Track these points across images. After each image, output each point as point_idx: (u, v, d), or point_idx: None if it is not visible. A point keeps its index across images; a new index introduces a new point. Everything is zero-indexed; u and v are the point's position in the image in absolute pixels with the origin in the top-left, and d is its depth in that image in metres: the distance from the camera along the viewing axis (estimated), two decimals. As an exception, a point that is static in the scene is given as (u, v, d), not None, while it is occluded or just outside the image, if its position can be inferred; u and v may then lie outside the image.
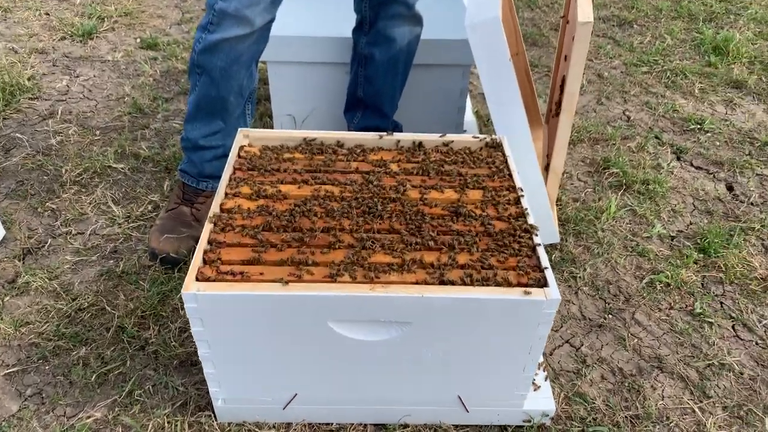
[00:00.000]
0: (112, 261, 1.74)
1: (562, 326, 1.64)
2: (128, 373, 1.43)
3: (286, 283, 1.09)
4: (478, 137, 1.52)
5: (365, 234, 1.21)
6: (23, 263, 1.71)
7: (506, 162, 1.45)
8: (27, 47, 2.77)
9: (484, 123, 2.48)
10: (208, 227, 1.21)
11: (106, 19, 3.08)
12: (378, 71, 1.76)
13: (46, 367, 1.43)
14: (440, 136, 1.52)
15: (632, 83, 2.86)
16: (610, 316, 1.68)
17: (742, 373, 1.53)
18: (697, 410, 1.43)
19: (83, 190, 1.98)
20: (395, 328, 1.14)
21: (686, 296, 1.75)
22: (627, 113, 2.64)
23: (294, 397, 1.31)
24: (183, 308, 1.51)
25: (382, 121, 1.82)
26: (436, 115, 2.11)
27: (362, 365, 1.21)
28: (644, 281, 1.79)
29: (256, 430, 1.33)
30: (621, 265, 1.85)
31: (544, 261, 1.17)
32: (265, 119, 2.36)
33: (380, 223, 1.25)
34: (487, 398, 1.31)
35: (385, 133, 1.51)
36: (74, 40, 2.88)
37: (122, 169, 2.08)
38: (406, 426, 1.36)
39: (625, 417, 1.41)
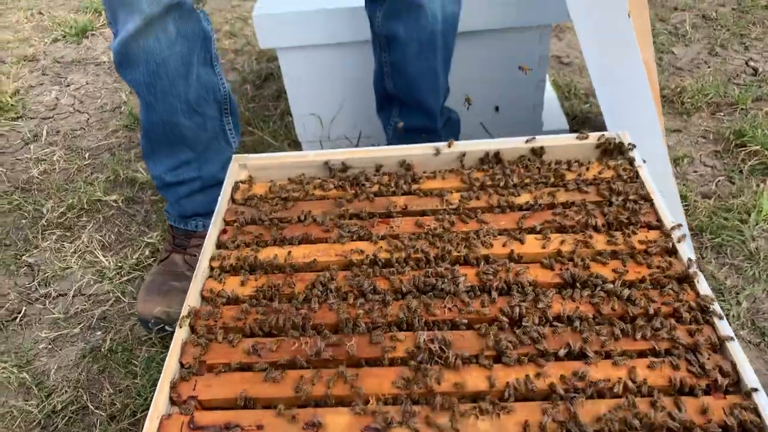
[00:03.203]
0: (99, 333, 1.34)
1: (720, 399, 1.12)
2: None
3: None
4: (584, 136, 1.00)
5: (426, 334, 0.74)
6: (-10, 345, 1.34)
7: (639, 177, 0.92)
8: (14, 55, 2.40)
9: (565, 95, 1.93)
10: (180, 335, 0.77)
11: (102, 12, 2.66)
12: (406, 54, 1.21)
13: (7, 508, 1.06)
14: (526, 141, 1.01)
15: (751, 22, 2.21)
16: (790, 377, 1.15)
17: None
18: None
19: (67, 234, 1.59)
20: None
21: None
22: (752, 63, 2.01)
23: None
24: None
25: (428, 120, 1.31)
26: (504, 93, 1.58)
27: None
28: (832, 317, 1.23)
29: None
30: (791, 293, 1.30)
31: (750, 375, 0.66)
32: (286, 118, 1.90)
33: (449, 309, 0.77)
34: None
35: (440, 144, 1.01)
36: (68, 41, 2.48)
37: (114, 202, 1.67)
38: None
39: None
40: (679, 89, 1.88)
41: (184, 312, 0.80)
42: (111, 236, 1.58)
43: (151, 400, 1.17)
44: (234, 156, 1.05)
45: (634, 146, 0.96)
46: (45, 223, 1.61)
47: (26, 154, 1.88)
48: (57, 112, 2.06)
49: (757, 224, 1.44)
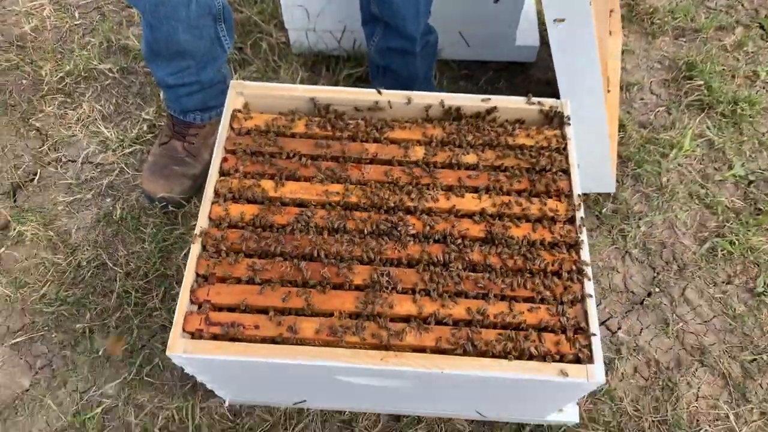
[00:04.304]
0: (109, 200, 1.58)
1: (600, 302, 1.49)
2: (135, 344, 1.38)
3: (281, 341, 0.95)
4: (534, 102, 1.19)
5: (380, 268, 1.01)
6: (14, 202, 1.57)
7: (566, 150, 1.14)
8: None
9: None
10: (195, 251, 1.03)
11: None
12: None
13: (53, 335, 1.39)
14: (483, 100, 1.19)
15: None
16: (657, 289, 1.51)
17: (791, 371, 1.41)
18: (731, 416, 1.34)
19: (68, 101, 1.73)
20: (412, 382, 1.02)
21: (750, 267, 1.54)
22: (730, -16, 2.07)
23: (303, 401, 1.25)
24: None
25: (407, 44, 1.43)
26: (483, 7, 1.66)
27: (375, 390, 1.12)
28: (705, 246, 1.56)
29: (268, 416, 1.31)
30: (681, 222, 1.60)
31: (593, 324, 0.97)
32: (273, -5, 1.94)
33: (399, 251, 1.03)
34: (509, 412, 1.23)
35: (412, 94, 1.18)
36: None
37: (109, 71, 1.78)
38: (420, 421, 1.32)
39: (652, 422, 1.34)
40: (651, 9, 1.97)
41: (197, 231, 1.04)
42: (110, 107, 1.72)
43: (158, 265, 1.46)
44: (232, 83, 1.20)
45: (569, 120, 1.16)
46: (46, 88, 1.73)
47: (14, 6, 1.90)
48: (39, -44, 2.02)
49: (675, 159, 1.69)
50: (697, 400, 1.37)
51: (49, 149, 1.65)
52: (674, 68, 1.87)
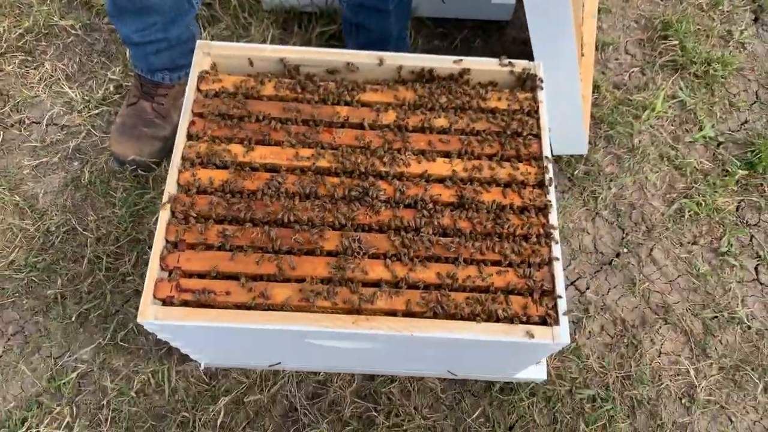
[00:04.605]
0: (76, 163, 1.54)
1: (570, 263, 1.52)
2: (109, 309, 1.38)
3: (253, 306, 0.95)
4: (505, 63, 1.17)
5: (352, 234, 1.01)
6: (-23, 166, 1.52)
7: (537, 114, 1.14)
8: None
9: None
10: (164, 217, 1.01)
11: None
12: None
13: (24, 302, 1.38)
14: (454, 61, 1.17)
15: None
16: (626, 250, 1.54)
17: (750, 327, 1.46)
18: (691, 371, 1.40)
19: (29, 59, 1.66)
20: (383, 344, 1.04)
21: (715, 227, 1.58)
22: (709, -60, 2.04)
23: (278, 363, 1.27)
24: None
25: (380, 1, 1.39)
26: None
27: (348, 352, 1.14)
28: (673, 207, 1.59)
29: (243, 378, 1.33)
30: (651, 183, 1.63)
31: (560, 286, 0.99)
32: (243, -55, 1.86)
33: (370, 216, 1.03)
34: (478, 371, 1.27)
35: (385, 55, 1.16)
36: None
37: (72, 27, 1.71)
38: (393, 380, 1.35)
39: (617, 377, 1.39)
40: (630, -34, 1.94)
41: (165, 198, 1.02)
42: (73, 65, 1.66)
43: (130, 230, 1.45)
44: (199, 43, 1.16)
45: (542, 83, 1.15)
46: (5, 45, 1.66)
47: (-33, -44, 1.79)
48: None
49: (647, 120, 1.70)
50: (659, 356, 1.42)
51: (11, 110, 1.59)
52: (650, 28, 1.86)
